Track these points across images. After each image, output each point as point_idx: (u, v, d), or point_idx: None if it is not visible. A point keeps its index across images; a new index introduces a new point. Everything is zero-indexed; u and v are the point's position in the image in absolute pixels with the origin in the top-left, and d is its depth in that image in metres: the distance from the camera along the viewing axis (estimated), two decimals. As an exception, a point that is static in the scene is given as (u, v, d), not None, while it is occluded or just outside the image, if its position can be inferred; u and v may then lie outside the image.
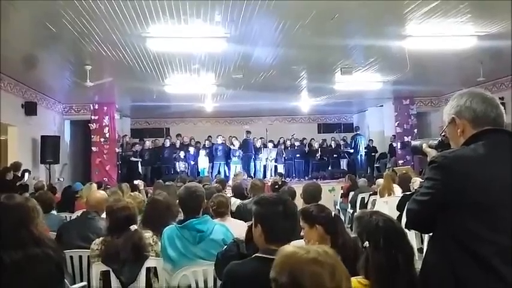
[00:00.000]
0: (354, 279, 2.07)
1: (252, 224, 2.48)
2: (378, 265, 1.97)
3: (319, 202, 3.55)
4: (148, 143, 15.02)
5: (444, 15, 6.32)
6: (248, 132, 15.56)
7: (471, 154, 1.69)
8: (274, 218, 2.18)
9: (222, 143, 15.23)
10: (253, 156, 15.23)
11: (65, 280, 2.96)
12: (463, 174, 1.64)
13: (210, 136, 15.75)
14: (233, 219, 4.16)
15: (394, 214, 6.19)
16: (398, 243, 2.05)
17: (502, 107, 1.83)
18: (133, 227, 3.25)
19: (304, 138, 16.49)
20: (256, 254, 2.18)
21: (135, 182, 8.90)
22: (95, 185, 7.77)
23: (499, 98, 11.37)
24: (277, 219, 2.17)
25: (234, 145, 15.11)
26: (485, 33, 7.12)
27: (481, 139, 1.72)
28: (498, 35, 7.18)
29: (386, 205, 6.77)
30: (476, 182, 1.62)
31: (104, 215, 4.04)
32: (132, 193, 5.52)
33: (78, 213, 5.52)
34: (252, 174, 14.48)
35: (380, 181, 7.84)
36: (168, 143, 15.19)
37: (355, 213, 2.32)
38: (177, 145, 15.26)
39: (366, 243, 2.02)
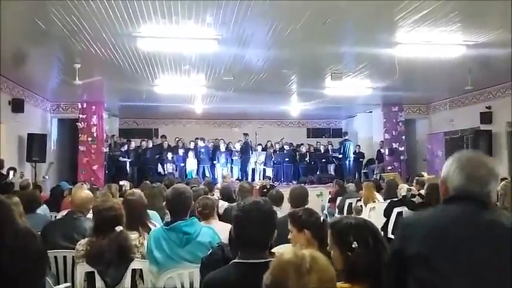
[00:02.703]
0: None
1: None
2: (369, 264, 1.96)
3: (307, 206, 3.55)
4: (136, 144, 14.93)
5: (434, 23, 6.38)
6: (246, 134, 15.57)
7: (431, 213, 1.85)
8: (243, 224, 2.21)
9: (205, 145, 15.20)
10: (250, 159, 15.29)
11: (48, 280, 2.93)
12: (417, 229, 1.74)
13: (197, 138, 15.71)
14: (220, 222, 4.13)
15: (381, 220, 6.24)
16: (381, 240, 2.08)
17: (494, 182, 1.80)
18: (119, 228, 3.21)
19: (293, 144, 16.55)
20: (233, 260, 2.20)
21: (121, 182, 8.85)
22: (85, 186, 7.68)
23: (486, 107, 11.52)
24: (245, 225, 2.20)
25: (220, 147, 15.09)
26: (474, 42, 7.20)
27: (452, 202, 1.79)
28: (487, 44, 7.27)
29: (373, 211, 6.82)
30: (427, 235, 1.70)
31: (89, 215, 4.01)
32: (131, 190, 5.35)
33: (64, 213, 5.46)
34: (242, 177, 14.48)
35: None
36: (150, 144, 15.10)
37: (329, 221, 2.31)
38: (165, 146, 15.19)
39: (355, 244, 2.01)
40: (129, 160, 14.32)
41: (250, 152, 15.45)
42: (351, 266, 2.00)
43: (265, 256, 2.12)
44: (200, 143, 15.18)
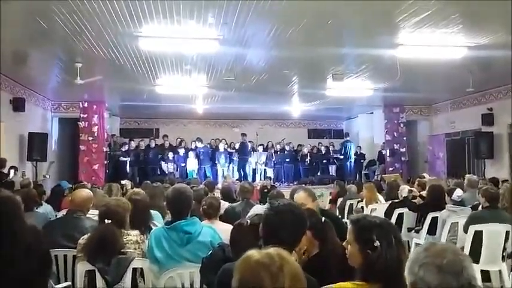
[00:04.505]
0: (348, 284, 2.04)
1: (237, 224, 2.50)
2: (389, 265, 1.94)
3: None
4: (137, 143, 14.93)
5: (436, 25, 6.38)
6: (244, 134, 15.59)
7: None
8: (274, 224, 2.24)
9: (204, 146, 15.20)
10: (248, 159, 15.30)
11: (49, 279, 2.93)
12: None
13: (198, 138, 15.72)
14: (221, 222, 4.13)
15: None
16: (403, 243, 2.07)
17: (471, 268, 1.51)
18: (107, 221, 3.25)
19: (296, 144, 16.55)
20: None
21: (123, 182, 8.86)
22: (88, 186, 7.71)
23: (487, 109, 11.50)
24: (276, 225, 2.23)
25: (219, 148, 15.10)
26: (475, 44, 7.19)
27: None
28: (488, 46, 7.26)
29: (374, 212, 6.81)
30: None
31: (89, 214, 4.02)
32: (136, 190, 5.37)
33: (64, 212, 5.46)
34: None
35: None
36: (152, 144, 15.11)
37: (350, 217, 2.30)
38: (166, 146, 15.19)
39: (377, 243, 1.99)
40: (129, 160, 14.30)
41: (251, 153, 15.45)
42: (371, 265, 1.98)
43: None
44: (199, 144, 15.17)
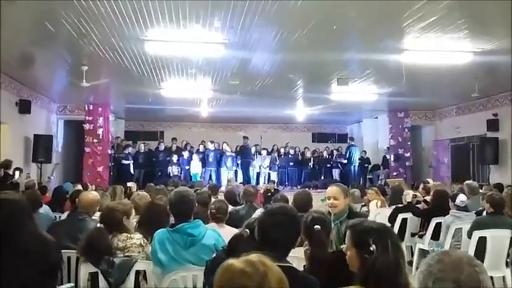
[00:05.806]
0: None
1: (237, 235, 2.59)
2: (386, 269, 1.94)
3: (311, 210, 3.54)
4: (142, 146, 14.97)
5: (442, 30, 6.37)
6: (245, 137, 15.57)
7: None
8: (262, 227, 2.28)
9: (215, 149, 15.22)
10: (251, 163, 15.30)
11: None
12: None
13: (203, 141, 15.74)
14: (227, 226, 4.14)
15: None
16: (400, 247, 2.06)
17: (488, 282, 1.47)
18: (99, 225, 3.33)
19: (303, 147, 16.50)
20: None
21: (128, 184, 8.88)
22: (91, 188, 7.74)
23: (493, 115, 11.40)
24: (263, 228, 2.27)
25: (226, 151, 15.09)
26: (481, 49, 7.18)
27: None
28: (494, 51, 7.24)
29: (379, 216, 6.80)
30: None
31: (94, 217, 4.03)
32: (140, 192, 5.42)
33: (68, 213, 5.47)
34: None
35: (370, 191, 7.92)
36: (162, 147, 15.17)
37: (348, 222, 2.31)
38: (173, 149, 15.23)
39: (373, 247, 1.99)
40: (134, 162, 14.31)
41: (255, 156, 15.44)
42: (368, 269, 1.97)
43: (284, 261, 2.14)
44: (210, 146, 15.17)
